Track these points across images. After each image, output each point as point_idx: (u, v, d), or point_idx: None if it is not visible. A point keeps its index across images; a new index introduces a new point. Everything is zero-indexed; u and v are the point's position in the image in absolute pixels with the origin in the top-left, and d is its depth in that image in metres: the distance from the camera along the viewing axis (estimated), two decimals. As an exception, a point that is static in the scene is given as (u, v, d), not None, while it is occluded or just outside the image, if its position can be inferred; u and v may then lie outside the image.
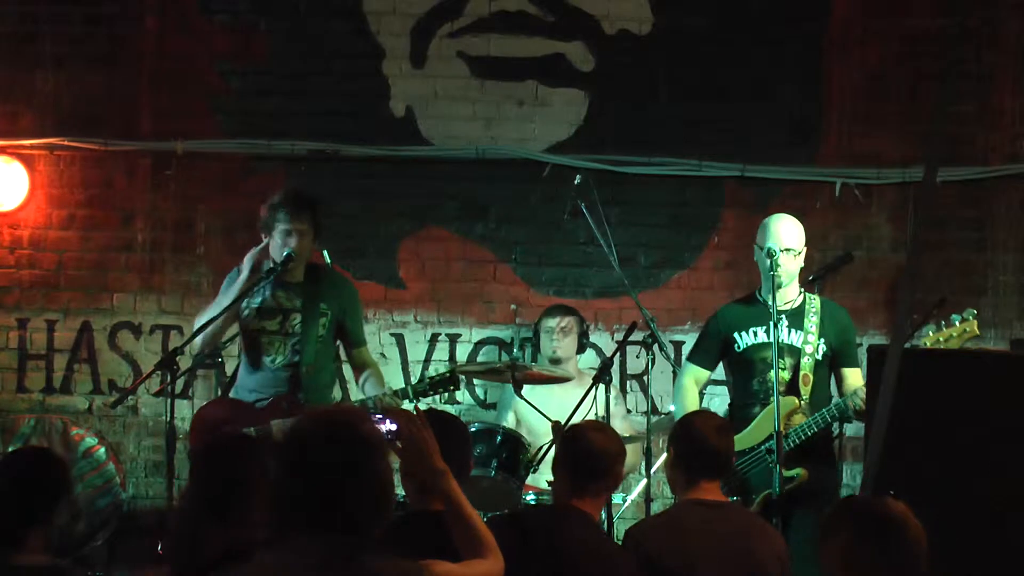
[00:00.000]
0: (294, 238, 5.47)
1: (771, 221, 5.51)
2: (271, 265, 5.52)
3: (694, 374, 5.62)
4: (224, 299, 5.50)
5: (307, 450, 2.77)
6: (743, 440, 5.22)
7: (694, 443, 4.16)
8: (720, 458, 4.19)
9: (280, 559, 2.72)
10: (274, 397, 5.52)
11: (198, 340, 5.49)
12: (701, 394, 5.71)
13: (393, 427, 3.27)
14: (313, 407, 5.45)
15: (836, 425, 5.47)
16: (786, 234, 5.44)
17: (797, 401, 5.32)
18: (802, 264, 5.51)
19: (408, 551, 2.92)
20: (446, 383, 5.59)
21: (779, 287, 5.36)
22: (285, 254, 5.47)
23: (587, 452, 3.93)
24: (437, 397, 6.88)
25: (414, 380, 6.85)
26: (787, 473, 5.07)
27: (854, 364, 5.49)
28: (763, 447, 5.24)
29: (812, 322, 5.44)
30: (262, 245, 5.55)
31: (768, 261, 5.35)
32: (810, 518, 4.97)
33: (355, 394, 5.90)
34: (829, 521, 3.07)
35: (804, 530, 4.92)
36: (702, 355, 5.65)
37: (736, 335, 5.51)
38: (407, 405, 5.45)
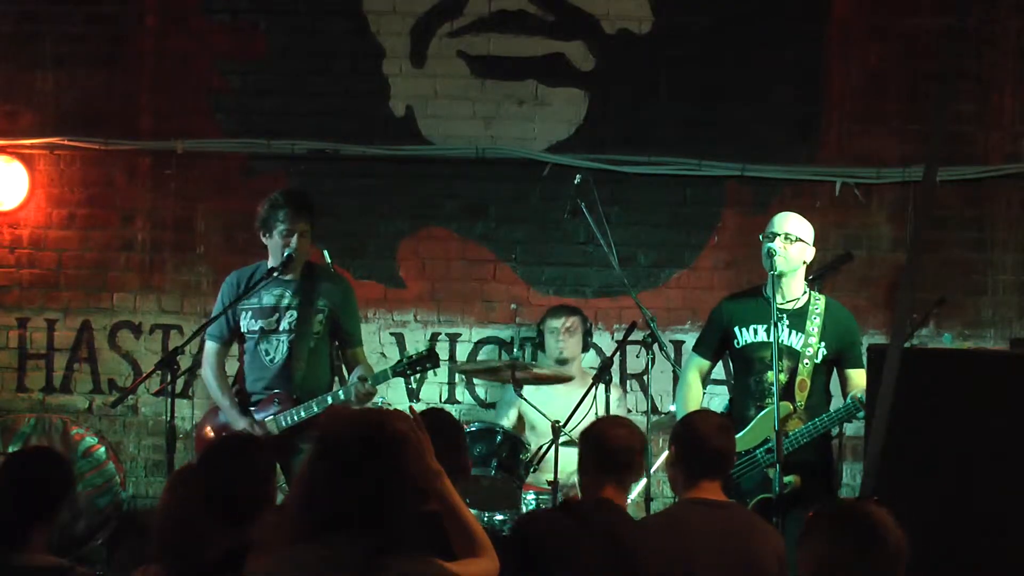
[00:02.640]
0: (294, 239, 5.49)
1: (777, 214, 5.52)
2: (270, 266, 5.54)
3: (698, 364, 5.59)
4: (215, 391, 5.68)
5: (343, 450, 2.76)
6: (738, 443, 5.18)
7: (695, 442, 4.16)
8: (721, 458, 4.19)
9: (313, 556, 2.72)
10: (268, 395, 5.55)
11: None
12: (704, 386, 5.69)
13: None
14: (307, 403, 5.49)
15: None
16: (786, 221, 5.41)
17: (791, 407, 5.26)
18: (806, 260, 5.44)
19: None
20: (423, 361, 5.52)
21: (773, 272, 5.30)
22: (285, 255, 5.48)
23: (613, 448, 4.01)
24: (438, 397, 6.91)
25: (413, 384, 6.86)
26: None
27: (859, 365, 5.34)
28: (759, 449, 5.23)
29: (814, 324, 5.36)
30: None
31: (764, 246, 5.33)
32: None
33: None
34: (808, 525, 2.97)
35: (796, 534, 4.88)
36: (705, 346, 5.62)
37: (737, 330, 5.46)
38: (406, 407, 5.43)
